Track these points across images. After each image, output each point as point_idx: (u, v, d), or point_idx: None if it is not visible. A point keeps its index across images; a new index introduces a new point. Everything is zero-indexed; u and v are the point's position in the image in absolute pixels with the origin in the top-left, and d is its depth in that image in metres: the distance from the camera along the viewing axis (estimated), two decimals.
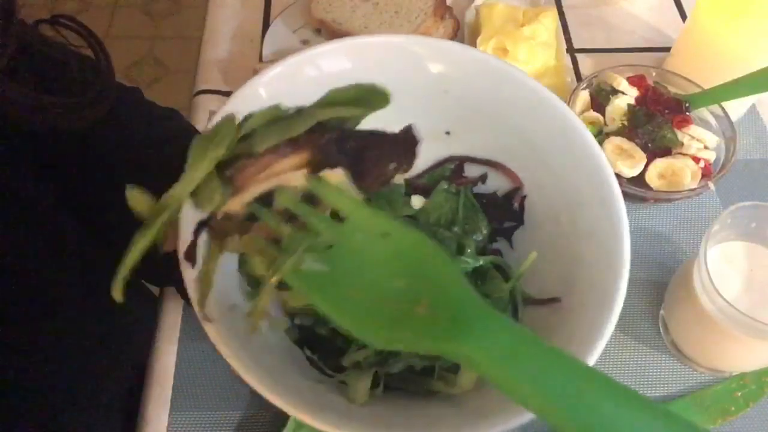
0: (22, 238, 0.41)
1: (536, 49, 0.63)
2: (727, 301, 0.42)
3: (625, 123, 0.57)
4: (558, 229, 0.43)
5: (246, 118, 0.34)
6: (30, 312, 0.42)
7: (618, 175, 0.54)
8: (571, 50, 0.71)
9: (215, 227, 0.34)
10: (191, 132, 0.53)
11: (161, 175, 0.46)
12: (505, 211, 0.47)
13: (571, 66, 0.70)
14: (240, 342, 0.34)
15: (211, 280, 0.35)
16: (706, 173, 0.55)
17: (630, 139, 0.56)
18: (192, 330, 0.51)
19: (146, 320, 0.56)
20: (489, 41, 0.64)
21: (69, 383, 0.46)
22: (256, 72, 0.62)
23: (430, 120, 0.43)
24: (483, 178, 0.47)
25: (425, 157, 0.47)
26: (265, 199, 0.34)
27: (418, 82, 0.43)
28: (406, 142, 0.37)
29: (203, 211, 0.34)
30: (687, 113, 0.58)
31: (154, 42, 1.84)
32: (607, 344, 0.50)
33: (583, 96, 0.60)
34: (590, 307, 0.37)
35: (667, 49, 0.68)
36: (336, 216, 0.34)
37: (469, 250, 0.43)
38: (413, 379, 0.40)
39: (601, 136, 0.58)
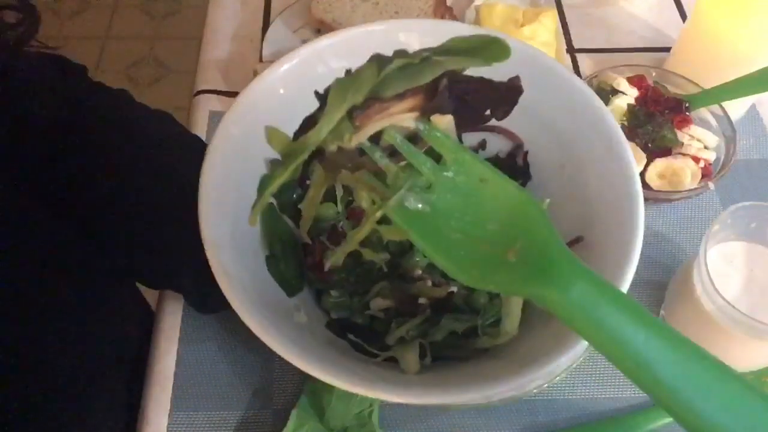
0: (17, 242, 0.41)
1: None
2: (727, 301, 0.42)
3: (625, 123, 0.57)
4: (565, 178, 0.43)
5: (383, 64, 0.34)
6: (28, 314, 0.42)
7: None
8: (571, 50, 0.71)
9: (329, 158, 0.36)
10: (183, 136, 0.53)
11: (151, 178, 0.46)
12: (511, 170, 0.46)
13: (571, 66, 0.70)
14: (292, 337, 0.35)
15: (315, 206, 0.37)
16: (706, 173, 0.55)
17: (630, 139, 0.56)
18: (192, 330, 0.51)
19: (142, 322, 0.57)
20: None
21: (69, 383, 0.46)
22: (256, 72, 0.62)
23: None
24: (482, 145, 0.47)
25: None
26: (374, 138, 0.36)
27: None
28: (509, 91, 0.38)
29: (330, 147, 0.35)
30: (687, 113, 0.58)
31: (154, 42, 1.84)
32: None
33: None
34: (614, 238, 0.37)
35: (667, 49, 0.68)
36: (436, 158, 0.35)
37: None
38: (459, 344, 0.40)
39: None
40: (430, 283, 0.41)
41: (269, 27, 0.68)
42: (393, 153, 0.35)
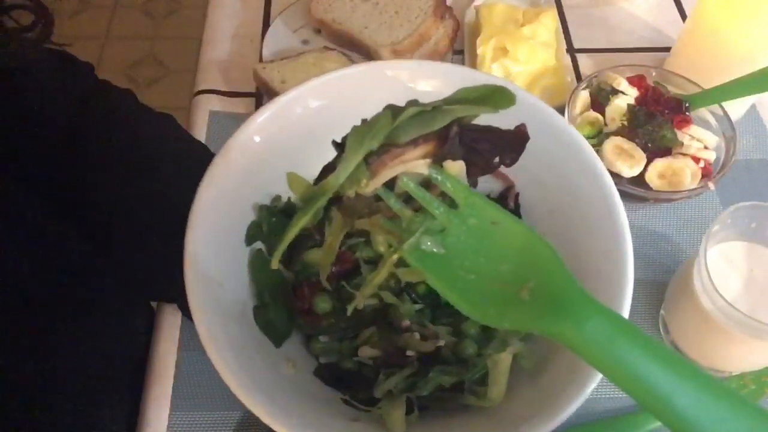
0: (22, 241, 0.41)
1: (536, 49, 0.63)
2: (727, 301, 0.42)
3: (625, 123, 0.57)
4: (555, 224, 0.44)
5: (397, 112, 0.37)
6: (34, 313, 0.43)
7: (618, 175, 0.55)
8: (571, 50, 0.71)
9: (346, 204, 0.37)
10: (184, 139, 0.54)
11: (152, 178, 0.46)
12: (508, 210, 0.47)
13: (571, 66, 0.70)
14: (271, 391, 0.36)
15: (335, 252, 0.39)
16: (706, 173, 0.55)
17: (630, 139, 0.56)
18: (192, 330, 0.51)
19: (144, 322, 0.57)
20: (489, 41, 0.64)
21: (69, 384, 0.46)
22: (256, 72, 0.62)
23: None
24: (473, 183, 0.47)
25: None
26: (389, 184, 0.37)
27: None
28: (516, 139, 0.40)
29: (346, 193, 0.37)
30: (687, 113, 0.58)
31: (154, 42, 1.84)
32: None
33: (583, 96, 0.60)
34: (602, 296, 0.38)
35: (667, 49, 0.68)
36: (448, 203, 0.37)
37: None
38: (445, 397, 0.41)
39: (601, 136, 0.58)
40: (418, 336, 0.42)
41: (269, 27, 0.68)
42: (407, 200, 0.37)
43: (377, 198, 0.37)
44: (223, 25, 0.72)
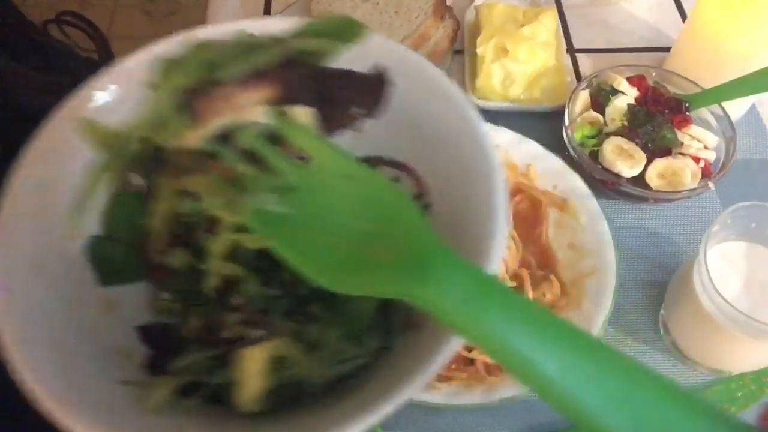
0: None
1: (536, 49, 0.63)
2: (727, 301, 0.42)
3: (625, 123, 0.57)
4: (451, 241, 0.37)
5: (213, 45, 0.32)
6: None
7: (618, 175, 0.55)
8: (571, 50, 0.71)
9: (171, 162, 0.32)
10: None
11: None
12: None
13: (571, 66, 0.70)
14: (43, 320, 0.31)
15: (165, 218, 0.34)
16: (706, 173, 0.55)
17: (630, 139, 0.56)
18: None
19: None
20: (489, 41, 0.64)
21: None
22: None
23: None
24: (396, 182, 0.43)
25: None
26: (226, 138, 0.31)
27: None
28: (376, 84, 0.34)
29: (160, 141, 0.31)
30: (687, 113, 0.58)
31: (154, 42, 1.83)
32: (607, 344, 0.51)
33: (583, 96, 0.60)
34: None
35: (667, 49, 0.68)
36: (299, 158, 0.31)
37: None
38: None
39: (601, 136, 0.58)
40: (239, 319, 0.36)
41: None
42: (252, 158, 0.32)
43: (212, 154, 0.32)
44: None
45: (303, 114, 0.32)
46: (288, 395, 0.34)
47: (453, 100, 0.37)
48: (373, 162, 0.44)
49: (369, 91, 0.34)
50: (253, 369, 0.32)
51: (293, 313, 0.36)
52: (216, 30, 0.36)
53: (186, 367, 0.35)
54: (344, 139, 0.42)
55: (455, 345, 0.29)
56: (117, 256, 0.37)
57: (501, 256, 0.31)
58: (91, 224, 0.37)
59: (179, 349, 0.37)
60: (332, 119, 0.34)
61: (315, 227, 0.30)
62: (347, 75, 0.34)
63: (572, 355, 0.23)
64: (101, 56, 0.42)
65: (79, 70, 0.41)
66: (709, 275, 0.43)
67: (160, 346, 0.37)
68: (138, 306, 0.39)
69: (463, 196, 0.36)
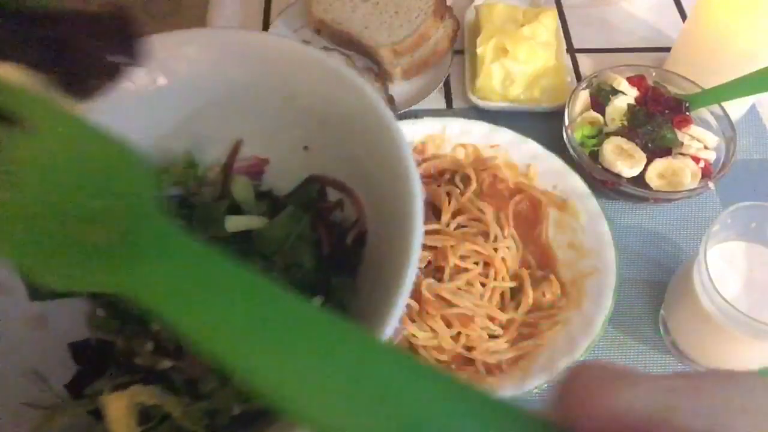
0: None
1: (536, 49, 0.63)
2: (727, 301, 0.42)
3: (625, 123, 0.57)
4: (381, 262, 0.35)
5: None
6: None
7: (618, 175, 0.55)
8: (571, 50, 0.71)
9: None
10: None
11: None
12: (343, 247, 0.41)
13: (571, 66, 0.70)
14: None
15: None
16: (706, 173, 0.55)
17: (630, 139, 0.56)
18: None
19: None
20: (489, 41, 0.64)
21: None
22: None
23: (287, 132, 0.41)
24: (341, 205, 0.43)
25: (288, 177, 0.44)
26: None
27: (260, 86, 0.39)
28: (113, 24, 0.29)
29: None
30: (687, 113, 0.58)
31: None
32: (607, 344, 0.51)
33: (583, 96, 0.60)
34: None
35: (667, 49, 0.68)
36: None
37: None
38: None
39: (601, 136, 0.58)
40: (151, 345, 0.35)
41: (269, 27, 0.68)
42: None
43: None
44: (223, 25, 0.72)
45: (8, 71, 0.26)
46: None
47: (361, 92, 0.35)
48: (319, 181, 0.43)
49: (110, 35, 0.28)
50: (116, 415, 0.30)
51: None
52: None
53: (99, 391, 0.34)
54: (295, 156, 0.42)
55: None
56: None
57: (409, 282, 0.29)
58: None
59: (104, 369, 0.36)
60: (75, 78, 0.27)
61: (20, 202, 0.23)
62: (71, 17, 0.27)
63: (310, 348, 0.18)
64: None
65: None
66: (709, 275, 0.43)
67: (89, 364, 0.36)
68: (73, 322, 0.38)
69: (389, 215, 0.34)
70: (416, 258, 0.29)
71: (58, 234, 0.23)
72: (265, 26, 0.72)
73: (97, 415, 0.33)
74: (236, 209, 0.43)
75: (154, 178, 0.24)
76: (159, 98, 0.38)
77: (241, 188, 0.42)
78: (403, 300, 0.28)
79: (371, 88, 0.36)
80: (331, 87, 0.37)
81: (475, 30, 0.68)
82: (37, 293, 0.35)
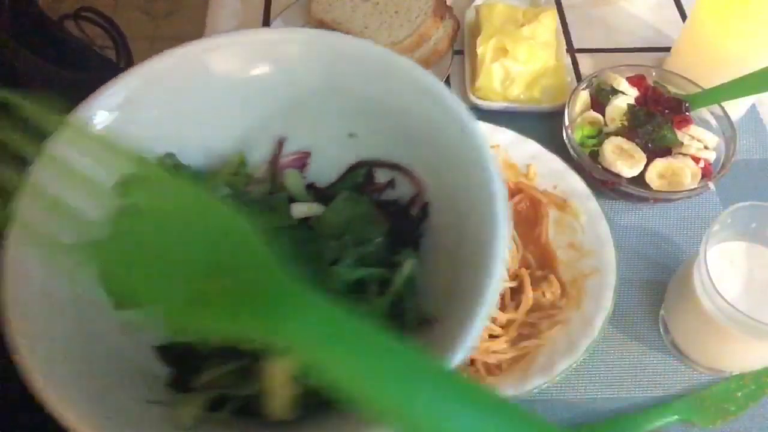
0: None
1: (536, 49, 0.63)
2: (727, 301, 0.42)
3: (625, 123, 0.57)
4: (454, 240, 0.38)
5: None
6: None
7: (618, 175, 0.55)
8: (571, 50, 0.71)
9: None
10: None
11: None
12: (407, 219, 0.43)
13: (571, 66, 0.70)
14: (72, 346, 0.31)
15: None
16: (706, 173, 0.55)
17: (630, 139, 0.56)
18: None
19: None
20: (489, 41, 0.64)
21: None
22: None
23: (332, 122, 0.42)
24: (392, 184, 0.44)
25: (335, 164, 0.44)
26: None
27: (306, 82, 0.40)
28: None
29: None
30: (687, 113, 0.58)
31: (154, 42, 1.84)
32: (607, 344, 0.51)
33: (583, 96, 0.60)
34: (454, 321, 0.33)
35: (667, 49, 0.68)
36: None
37: (347, 260, 0.39)
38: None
39: (601, 136, 0.58)
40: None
41: (269, 27, 0.68)
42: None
43: None
44: (223, 25, 0.72)
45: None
46: (318, 400, 0.34)
47: (448, 106, 0.37)
48: (368, 164, 0.44)
49: None
50: (279, 380, 0.32)
51: None
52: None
53: (211, 382, 0.36)
54: (339, 145, 0.43)
55: (472, 341, 0.29)
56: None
57: (504, 259, 0.31)
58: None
59: (198, 365, 0.37)
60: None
61: (138, 254, 0.27)
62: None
63: (429, 394, 0.23)
64: (119, 54, 0.42)
65: (96, 67, 0.41)
66: (709, 275, 0.43)
67: (180, 364, 0.38)
68: (156, 326, 0.38)
69: (463, 201, 0.36)
70: (498, 281, 0.31)
71: (186, 282, 0.27)
72: (265, 26, 0.71)
73: (214, 406, 0.35)
74: (290, 201, 0.44)
75: (265, 239, 0.28)
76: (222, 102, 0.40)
77: (293, 181, 0.43)
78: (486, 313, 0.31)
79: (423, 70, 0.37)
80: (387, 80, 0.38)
81: (475, 30, 0.68)
82: (120, 303, 0.35)
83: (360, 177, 0.45)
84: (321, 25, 0.67)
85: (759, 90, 0.56)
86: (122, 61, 0.43)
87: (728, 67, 0.57)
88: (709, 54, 0.60)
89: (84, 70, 0.38)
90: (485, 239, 0.32)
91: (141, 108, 0.38)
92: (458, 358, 0.29)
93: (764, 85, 0.54)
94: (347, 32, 0.65)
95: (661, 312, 0.53)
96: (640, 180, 0.55)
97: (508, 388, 0.45)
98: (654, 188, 0.54)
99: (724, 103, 0.57)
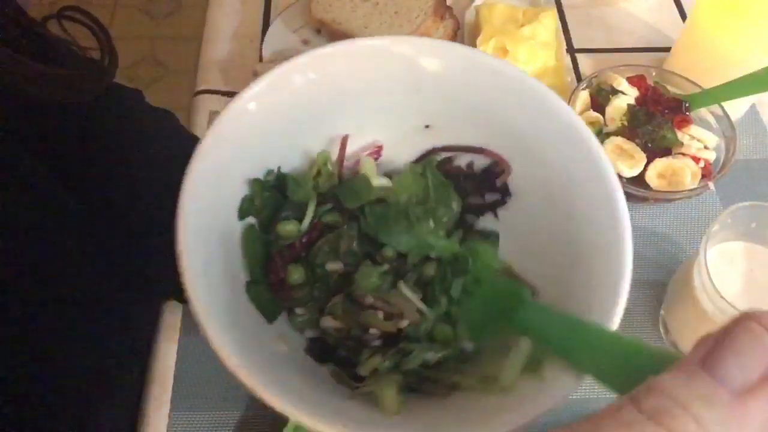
0: (23, 213, 0.42)
1: (536, 49, 0.63)
2: (727, 301, 0.42)
3: (625, 123, 0.58)
4: (551, 212, 0.42)
5: None
6: (35, 310, 0.43)
7: (618, 175, 0.54)
8: (571, 50, 0.71)
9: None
10: (181, 132, 0.56)
11: (149, 164, 0.47)
12: (486, 184, 0.46)
13: (571, 66, 0.70)
14: (271, 371, 0.34)
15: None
16: (706, 173, 0.55)
17: (630, 139, 0.56)
18: (193, 329, 0.51)
19: (146, 321, 0.57)
20: (489, 41, 0.64)
21: (70, 383, 0.46)
22: (255, 72, 0.62)
23: (408, 115, 0.44)
24: (470, 166, 0.46)
25: (408, 152, 0.46)
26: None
27: (391, 81, 0.42)
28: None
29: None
30: (687, 113, 0.58)
31: (154, 42, 1.84)
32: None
33: (583, 96, 0.60)
34: (599, 282, 0.40)
35: (667, 49, 0.68)
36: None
37: (441, 233, 0.43)
38: (433, 378, 0.40)
39: (601, 136, 0.58)
40: (381, 315, 0.41)
41: (269, 27, 0.68)
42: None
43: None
44: (223, 25, 0.72)
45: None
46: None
47: (586, 144, 0.42)
48: (450, 149, 0.46)
49: None
50: (524, 353, 0.38)
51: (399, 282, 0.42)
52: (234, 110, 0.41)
53: (375, 368, 0.39)
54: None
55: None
56: (265, 294, 0.40)
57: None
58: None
59: (336, 357, 0.41)
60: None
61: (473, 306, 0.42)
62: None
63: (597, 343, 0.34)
64: (103, 54, 0.42)
65: (80, 67, 0.41)
66: (709, 275, 0.43)
67: (324, 359, 0.41)
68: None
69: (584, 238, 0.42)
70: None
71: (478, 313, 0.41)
72: (265, 26, 0.72)
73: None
74: None
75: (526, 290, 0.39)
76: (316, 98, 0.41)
77: (370, 169, 0.45)
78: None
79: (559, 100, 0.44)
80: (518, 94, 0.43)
81: (475, 30, 0.68)
82: (270, 316, 0.40)
83: (434, 162, 0.46)
84: (321, 25, 0.67)
85: (759, 90, 0.56)
86: (106, 59, 0.43)
87: (728, 67, 0.57)
88: (709, 54, 0.60)
89: (65, 67, 0.39)
90: (614, 256, 0.41)
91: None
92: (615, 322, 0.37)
93: (764, 85, 0.54)
94: (347, 32, 0.65)
95: (661, 312, 0.53)
96: (640, 180, 0.55)
97: None
98: (654, 188, 0.54)
99: (724, 103, 0.57)
